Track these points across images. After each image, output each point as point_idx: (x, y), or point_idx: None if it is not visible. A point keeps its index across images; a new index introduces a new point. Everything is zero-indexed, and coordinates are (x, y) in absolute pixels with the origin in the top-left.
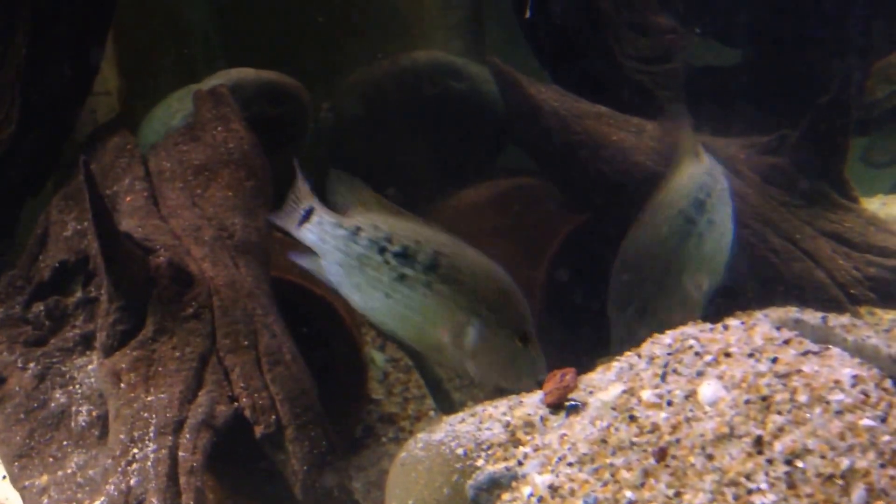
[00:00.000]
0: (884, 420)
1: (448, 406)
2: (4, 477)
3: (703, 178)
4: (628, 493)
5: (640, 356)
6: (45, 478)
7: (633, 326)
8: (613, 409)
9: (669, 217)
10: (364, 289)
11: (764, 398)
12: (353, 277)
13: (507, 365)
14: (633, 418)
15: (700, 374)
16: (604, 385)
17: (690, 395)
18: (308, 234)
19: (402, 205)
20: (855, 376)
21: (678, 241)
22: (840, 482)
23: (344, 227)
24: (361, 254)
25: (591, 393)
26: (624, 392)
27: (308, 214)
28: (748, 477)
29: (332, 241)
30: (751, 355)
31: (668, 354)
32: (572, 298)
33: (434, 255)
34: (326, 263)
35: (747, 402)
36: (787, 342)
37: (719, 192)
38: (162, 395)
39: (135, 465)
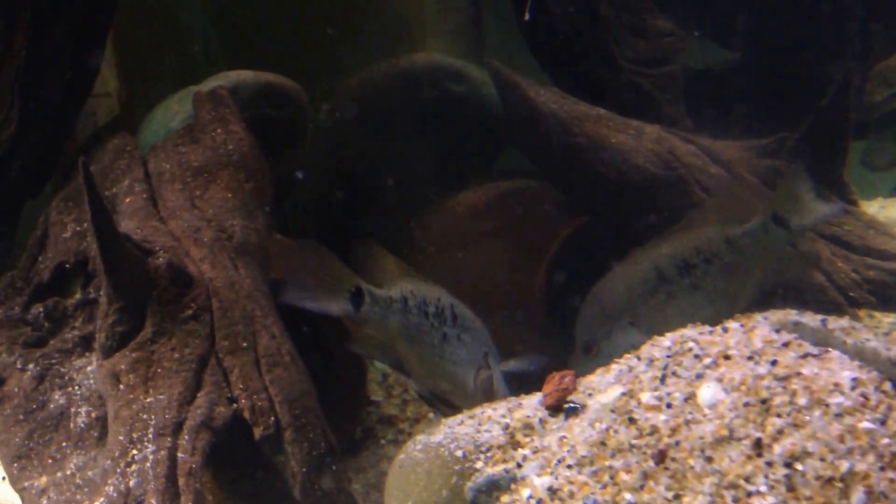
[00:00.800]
0: (883, 423)
1: (447, 409)
2: (4, 478)
3: (714, 243)
4: (627, 496)
5: (639, 359)
6: (44, 479)
7: (580, 360)
8: (613, 411)
9: (646, 267)
10: (426, 357)
11: (763, 401)
12: (417, 348)
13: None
14: (632, 420)
15: (699, 376)
16: (603, 387)
17: (690, 398)
18: (370, 315)
19: (398, 200)
20: (854, 379)
21: (642, 294)
22: (839, 485)
23: (396, 300)
24: (417, 323)
25: (590, 395)
26: (623, 394)
27: (358, 296)
28: (748, 479)
29: (392, 316)
30: (750, 358)
31: (668, 357)
32: (572, 300)
33: (451, 309)
34: (392, 340)
35: (747, 404)
36: (786, 345)
37: (726, 265)
38: (161, 397)
39: (134, 466)
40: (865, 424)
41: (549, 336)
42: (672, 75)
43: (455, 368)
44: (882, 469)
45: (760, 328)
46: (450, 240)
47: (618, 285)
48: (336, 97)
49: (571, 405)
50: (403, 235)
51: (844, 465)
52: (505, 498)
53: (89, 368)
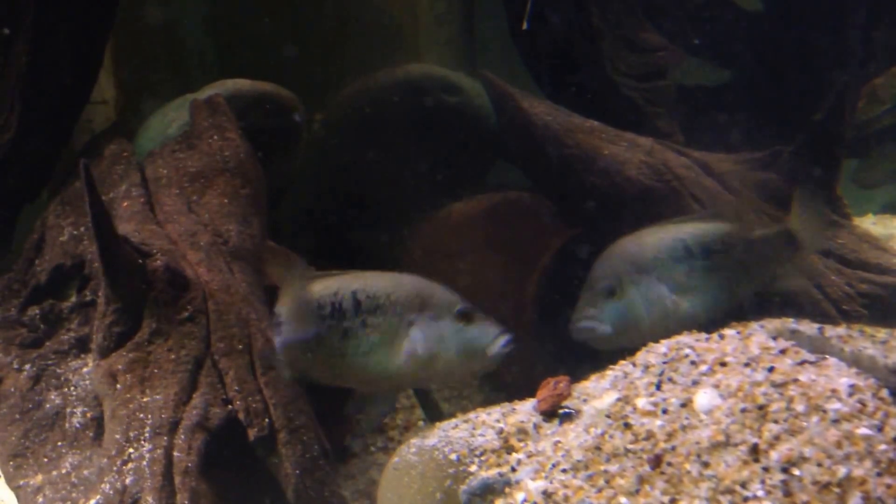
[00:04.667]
0: (880, 429)
1: (437, 416)
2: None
3: (734, 238)
4: (623, 500)
5: (634, 364)
6: (39, 477)
7: (600, 300)
8: (608, 416)
9: (673, 238)
10: (331, 360)
11: (760, 407)
12: (320, 357)
13: (462, 347)
14: (627, 426)
15: (696, 382)
16: (598, 393)
17: (686, 404)
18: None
19: (391, 210)
20: (852, 386)
21: (669, 260)
22: (836, 490)
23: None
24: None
25: (585, 401)
26: (619, 400)
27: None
28: (744, 485)
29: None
30: (747, 364)
31: (664, 363)
32: (564, 310)
33: (353, 296)
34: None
35: (743, 410)
36: (783, 352)
37: (738, 261)
38: (157, 397)
39: (130, 465)
40: (863, 430)
41: (542, 345)
42: (664, 89)
43: (366, 358)
44: (879, 475)
45: (757, 335)
46: (443, 250)
47: (647, 243)
48: (330, 107)
49: (566, 410)
50: (396, 245)
51: (841, 471)
52: (499, 501)
53: (85, 370)
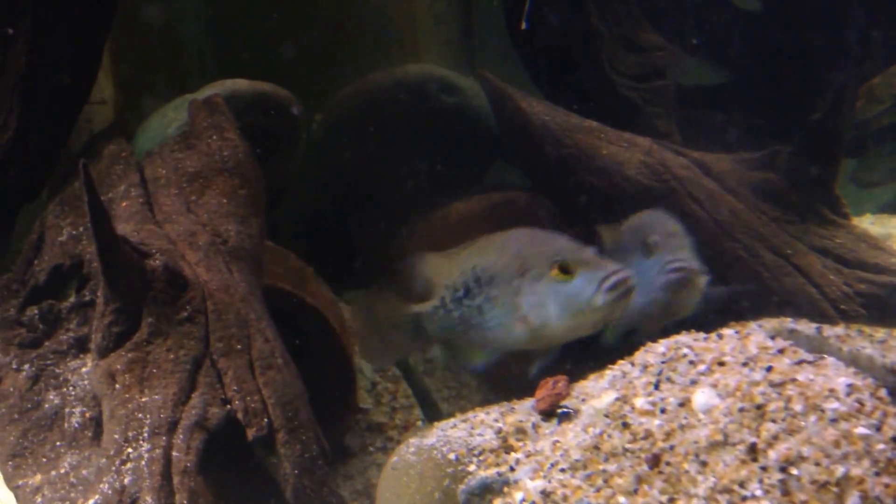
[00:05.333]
0: (878, 428)
1: (436, 416)
2: None
3: None
4: (622, 499)
5: (633, 364)
6: (38, 477)
7: (631, 256)
8: (606, 416)
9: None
10: (478, 335)
11: (758, 406)
12: (469, 334)
13: (567, 305)
14: (626, 425)
15: (694, 382)
16: (596, 392)
17: (684, 403)
18: (436, 333)
19: (390, 209)
20: (850, 385)
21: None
22: (835, 489)
23: (439, 307)
24: (461, 315)
25: (583, 400)
26: (617, 399)
27: (418, 322)
28: (742, 484)
29: (447, 323)
30: (745, 364)
31: (662, 363)
32: None
33: (473, 273)
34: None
35: (742, 409)
36: (781, 351)
37: None
38: (156, 396)
39: (129, 465)
40: (861, 430)
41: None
42: (663, 89)
43: (496, 331)
44: (877, 474)
45: (755, 335)
46: (442, 249)
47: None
48: (329, 107)
49: (564, 410)
50: (395, 245)
51: (840, 470)
52: (497, 501)
53: (84, 370)
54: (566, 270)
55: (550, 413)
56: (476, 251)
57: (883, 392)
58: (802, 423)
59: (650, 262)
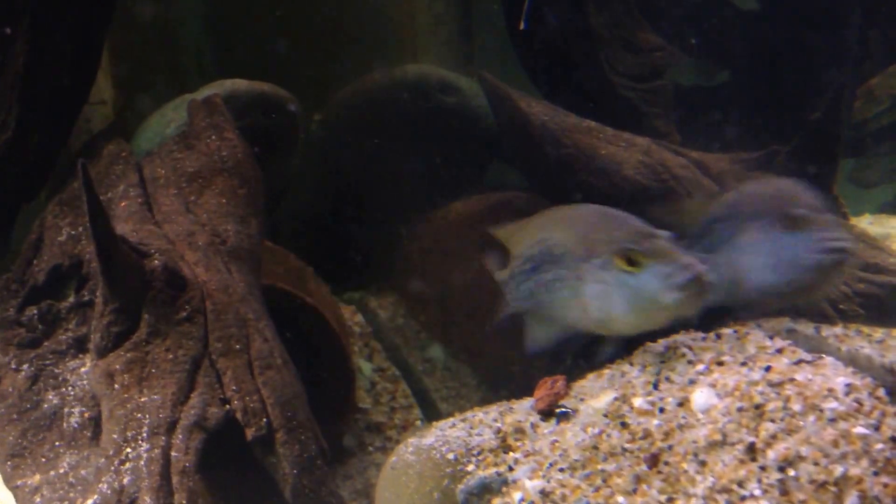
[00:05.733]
0: (877, 428)
1: (435, 416)
2: None
3: None
4: (620, 499)
5: (632, 364)
6: (37, 477)
7: (690, 241)
8: (605, 415)
9: None
10: (557, 311)
11: (757, 406)
12: (547, 309)
13: (632, 300)
14: (624, 425)
15: (693, 381)
16: (595, 392)
17: (683, 403)
18: (514, 303)
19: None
20: (848, 385)
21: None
22: (833, 489)
23: (508, 278)
24: (530, 289)
25: (582, 400)
26: (616, 399)
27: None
28: (741, 484)
29: (518, 294)
30: (744, 364)
31: (661, 362)
32: None
33: (543, 249)
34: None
35: (740, 409)
36: (780, 351)
37: None
38: (155, 396)
39: (128, 465)
40: (859, 430)
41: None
42: (662, 89)
43: (568, 312)
44: (876, 474)
45: (754, 335)
46: (441, 249)
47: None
48: (328, 107)
49: (563, 409)
50: (395, 245)
51: (838, 470)
52: (496, 500)
53: (83, 370)
54: (633, 261)
55: (549, 413)
56: (547, 223)
57: (881, 392)
58: (801, 423)
59: (793, 237)
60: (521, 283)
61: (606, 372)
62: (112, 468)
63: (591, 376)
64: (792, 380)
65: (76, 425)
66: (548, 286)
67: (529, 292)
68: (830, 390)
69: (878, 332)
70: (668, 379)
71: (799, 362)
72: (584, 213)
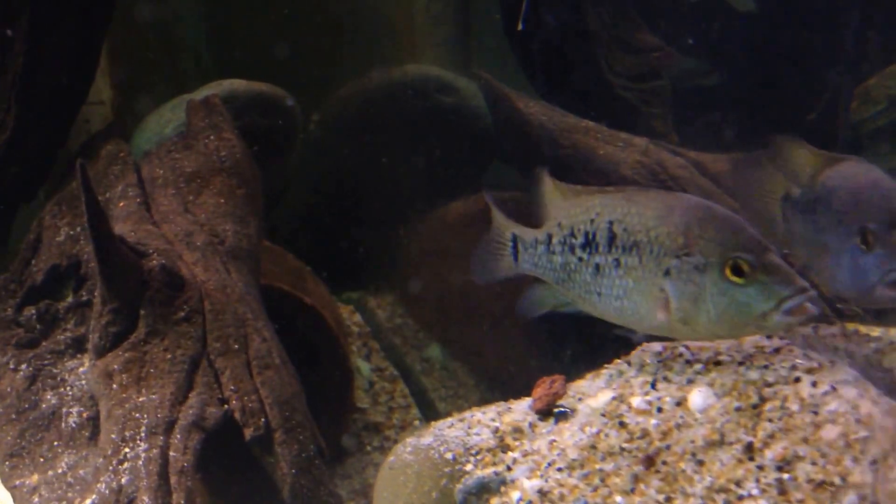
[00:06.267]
0: (875, 428)
1: (433, 416)
2: None
3: None
4: (618, 498)
5: (629, 363)
6: (35, 477)
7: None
8: (603, 415)
9: None
10: (585, 298)
11: (755, 406)
12: (572, 291)
13: (730, 312)
14: (622, 424)
15: (690, 381)
16: (593, 392)
17: (681, 402)
18: (525, 265)
19: (388, 209)
20: (846, 384)
21: None
22: (831, 489)
23: (540, 241)
24: (562, 262)
25: (580, 400)
26: (614, 398)
27: (515, 245)
28: (739, 483)
29: (540, 260)
30: (741, 363)
31: (659, 362)
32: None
33: (608, 227)
34: (555, 289)
35: (738, 409)
36: (777, 350)
37: None
38: (153, 396)
39: (126, 464)
40: (856, 429)
41: (536, 345)
42: (660, 90)
43: (621, 303)
44: (874, 474)
45: None
46: (439, 249)
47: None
48: (327, 108)
49: (561, 409)
50: (393, 245)
51: (836, 470)
52: (494, 500)
53: (81, 370)
54: (740, 271)
55: (547, 412)
56: (621, 202)
57: (878, 392)
58: (799, 423)
59: (868, 257)
60: (555, 253)
61: (604, 371)
62: (110, 468)
63: (589, 376)
64: (789, 379)
65: (74, 425)
66: (598, 269)
67: (562, 266)
68: (828, 390)
69: (876, 331)
70: (665, 378)
71: (796, 362)
72: (683, 203)
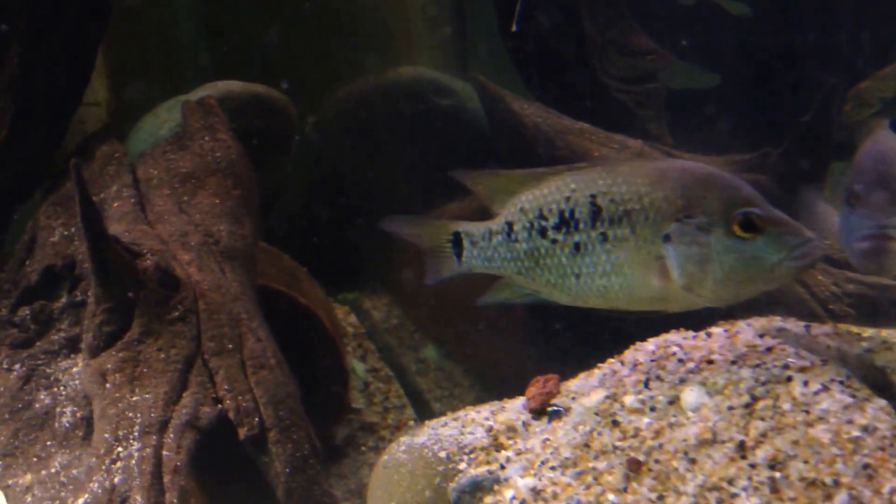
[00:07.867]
0: (866, 428)
1: (428, 416)
2: None
3: None
4: (611, 497)
5: (623, 362)
6: (28, 476)
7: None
8: (596, 414)
9: None
10: (558, 283)
11: (747, 405)
12: (540, 279)
13: (739, 269)
14: (615, 423)
15: (683, 380)
16: (586, 391)
17: (674, 401)
18: (473, 262)
19: (384, 211)
20: (839, 384)
21: None
22: (823, 488)
23: (496, 232)
24: (528, 249)
25: (573, 399)
26: (607, 397)
27: (458, 243)
28: (731, 482)
29: (497, 253)
30: (734, 362)
31: (651, 361)
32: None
33: (590, 202)
34: (512, 281)
35: (730, 408)
36: (770, 350)
37: None
38: (147, 396)
39: (119, 464)
40: (849, 428)
41: (532, 344)
42: (654, 92)
43: (607, 280)
44: (865, 472)
45: (744, 333)
46: None
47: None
48: (323, 110)
49: (555, 408)
50: (389, 246)
51: (828, 469)
52: (488, 499)
53: (75, 370)
54: (751, 226)
55: (541, 411)
56: (603, 175)
57: (870, 391)
58: (791, 422)
59: (852, 217)
60: (518, 241)
61: (597, 371)
62: (103, 467)
63: (582, 375)
64: (781, 378)
65: (68, 425)
66: (578, 248)
67: (527, 254)
68: (820, 389)
69: (868, 331)
70: (658, 377)
71: (788, 361)
72: (676, 167)
